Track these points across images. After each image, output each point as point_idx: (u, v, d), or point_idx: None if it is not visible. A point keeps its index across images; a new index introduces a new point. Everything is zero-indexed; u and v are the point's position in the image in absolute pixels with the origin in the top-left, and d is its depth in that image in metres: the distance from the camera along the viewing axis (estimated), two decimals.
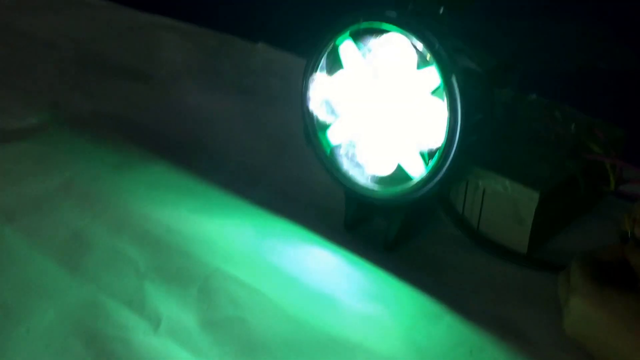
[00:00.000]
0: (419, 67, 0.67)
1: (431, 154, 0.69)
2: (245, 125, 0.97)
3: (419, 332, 0.64)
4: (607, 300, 0.58)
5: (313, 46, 0.73)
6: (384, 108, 0.70)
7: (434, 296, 0.68)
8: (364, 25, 0.69)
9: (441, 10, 0.67)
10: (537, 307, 0.68)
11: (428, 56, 0.66)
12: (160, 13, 1.23)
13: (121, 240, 0.72)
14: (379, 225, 0.78)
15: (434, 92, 0.67)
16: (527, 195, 0.72)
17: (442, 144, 0.66)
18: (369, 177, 0.73)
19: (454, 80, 0.63)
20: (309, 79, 0.73)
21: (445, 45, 0.64)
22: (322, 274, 0.71)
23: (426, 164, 0.69)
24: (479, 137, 0.67)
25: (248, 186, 0.83)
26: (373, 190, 0.72)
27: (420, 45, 0.66)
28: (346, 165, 0.74)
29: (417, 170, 0.69)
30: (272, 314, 0.65)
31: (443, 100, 0.66)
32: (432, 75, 0.66)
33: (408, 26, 0.66)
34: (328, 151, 0.75)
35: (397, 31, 0.67)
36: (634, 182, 0.77)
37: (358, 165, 0.74)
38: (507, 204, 0.74)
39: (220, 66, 1.12)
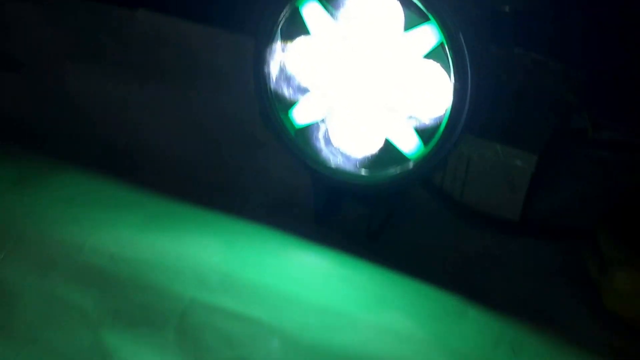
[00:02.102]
0: (407, 26, 0.59)
1: (424, 127, 0.61)
2: (156, 111, 0.84)
3: (450, 336, 0.58)
4: None
5: (265, 11, 0.62)
6: (364, 78, 0.62)
7: (445, 288, 0.62)
8: None
9: None
10: (555, 282, 0.64)
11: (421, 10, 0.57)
12: None
13: (54, 281, 0.59)
14: (350, 212, 0.70)
15: (427, 55, 0.59)
16: (523, 159, 0.68)
17: (447, 114, 0.59)
18: (353, 161, 0.64)
19: (461, 38, 0.56)
20: (265, 51, 0.63)
21: None
22: (316, 283, 0.62)
23: (421, 139, 0.61)
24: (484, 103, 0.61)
25: (191, 188, 0.72)
26: (359, 176, 0.64)
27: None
28: (320, 148, 0.65)
29: (412, 147, 0.62)
30: (277, 346, 0.56)
31: (440, 62, 0.59)
32: (427, 35, 0.58)
33: None
34: (293, 133, 0.65)
35: None
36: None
37: (335, 146, 0.65)
38: (498, 171, 0.69)
39: (100, 42, 0.96)
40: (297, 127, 0.66)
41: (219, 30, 0.99)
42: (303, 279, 0.62)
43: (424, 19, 0.58)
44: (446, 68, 0.59)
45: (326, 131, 0.65)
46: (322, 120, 0.65)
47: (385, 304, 0.60)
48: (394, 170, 0.63)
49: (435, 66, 0.59)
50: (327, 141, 0.65)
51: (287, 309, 0.58)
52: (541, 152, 0.69)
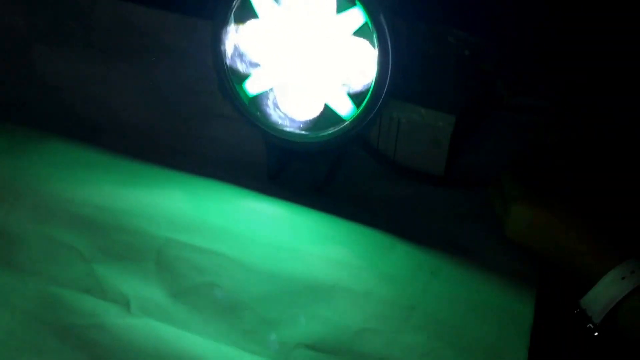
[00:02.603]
0: (338, 10, 0.72)
1: (355, 93, 0.75)
2: (126, 87, 0.97)
3: (381, 264, 0.71)
4: (545, 202, 0.69)
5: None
6: (305, 53, 0.75)
7: (378, 228, 0.76)
8: None
9: None
10: (468, 221, 0.78)
11: None
12: None
13: (51, 227, 0.71)
14: (297, 170, 0.84)
15: (355, 33, 0.73)
16: (444, 120, 0.81)
17: (373, 81, 0.72)
18: (298, 124, 0.77)
19: (382, 19, 0.69)
20: (221, 32, 0.76)
21: None
22: (270, 225, 0.75)
23: (354, 103, 0.75)
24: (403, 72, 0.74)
25: (157, 152, 0.85)
26: (304, 136, 0.77)
27: None
28: (270, 113, 0.78)
29: (347, 110, 0.75)
30: (239, 273, 0.69)
31: (367, 39, 0.72)
32: (354, 17, 0.72)
33: None
34: (246, 102, 0.78)
35: None
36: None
37: (283, 112, 0.78)
38: (424, 131, 0.83)
39: (68, 27, 1.08)
40: (250, 96, 0.79)
41: (175, 15, 1.11)
42: (258, 222, 0.75)
43: (352, 3, 0.72)
44: (372, 43, 0.72)
45: (275, 99, 0.78)
46: (271, 90, 0.78)
47: (327, 240, 0.74)
48: (332, 130, 0.76)
49: (362, 42, 0.73)
50: (276, 107, 0.78)
51: (246, 244, 0.72)
52: (460, 113, 0.83)
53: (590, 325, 0.66)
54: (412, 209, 0.81)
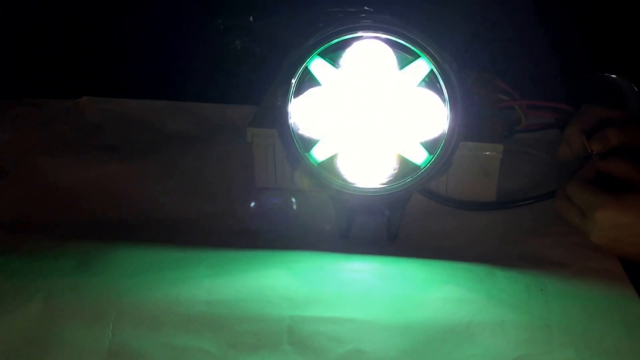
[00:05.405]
0: (400, 65, 0.75)
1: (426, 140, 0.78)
2: (152, 184, 0.95)
3: (494, 292, 0.74)
4: (628, 203, 0.74)
5: (282, 73, 0.76)
6: (371, 112, 0.77)
7: (469, 262, 0.78)
8: (336, 40, 0.74)
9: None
10: (542, 237, 0.83)
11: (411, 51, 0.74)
12: None
13: (167, 334, 0.68)
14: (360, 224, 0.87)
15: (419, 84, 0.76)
16: (493, 150, 0.86)
17: (447, 127, 0.75)
18: (372, 179, 0.79)
19: (448, 68, 0.73)
20: (286, 105, 0.76)
21: (425, 38, 0.73)
22: (374, 280, 0.77)
23: (427, 150, 0.78)
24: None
25: (221, 237, 0.85)
26: (380, 189, 0.79)
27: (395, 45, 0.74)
28: (343, 174, 0.79)
29: (422, 158, 0.78)
30: (377, 333, 0.69)
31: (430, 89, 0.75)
32: (418, 69, 0.75)
33: (388, 29, 0.73)
34: (317, 166, 0.80)
35: (373, 36, 0.74)
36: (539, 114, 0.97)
37: (355, 170, 0.79)
38: (473, 164, 0.87)
39: (66, 133, 1.06)
40: (318, 162, 0.79)
41: (164, 102, 1.12)
42: (362, 280, 0.76)
43: (414, 55, 0.75)
44: (437, 92, 0.75)
45: (346, 160, 0.79)
46: (342, 152, 0.79)
47: (435, 282, 0.75)
48: (409, 179, 0.79)
49: (428, 92, 0.76)
50: (349, 167, 0.79)
51: (367, 304, 0.72)
52: (504, 141, 0.88)
53: None
54: (479, 236, 0.85)
